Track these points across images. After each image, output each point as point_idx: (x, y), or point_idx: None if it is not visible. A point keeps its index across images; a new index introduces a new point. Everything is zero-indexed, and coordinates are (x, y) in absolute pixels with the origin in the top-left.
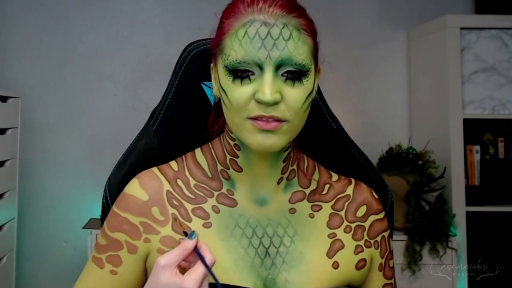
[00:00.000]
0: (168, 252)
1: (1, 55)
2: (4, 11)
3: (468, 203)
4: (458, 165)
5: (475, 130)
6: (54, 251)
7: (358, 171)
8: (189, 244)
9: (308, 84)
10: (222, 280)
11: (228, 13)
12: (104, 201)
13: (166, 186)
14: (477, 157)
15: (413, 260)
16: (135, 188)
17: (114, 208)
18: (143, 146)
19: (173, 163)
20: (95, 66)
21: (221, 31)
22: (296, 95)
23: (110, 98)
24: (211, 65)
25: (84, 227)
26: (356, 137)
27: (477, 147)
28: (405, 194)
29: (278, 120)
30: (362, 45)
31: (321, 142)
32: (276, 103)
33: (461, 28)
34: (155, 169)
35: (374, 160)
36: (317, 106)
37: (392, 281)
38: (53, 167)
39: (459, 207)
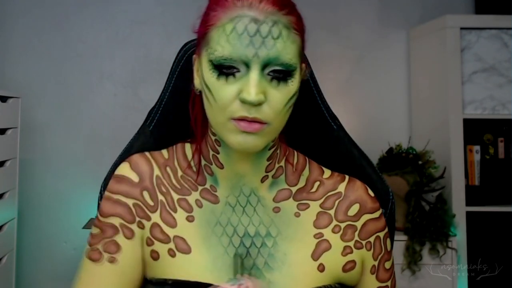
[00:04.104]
0: None
1: (1, 55)
2: (4, 11)
3: (468, 203)
4: (458, 165)
5: (475, 130)
6: (54, 251)
7: (358, 172)
8: None
9: (292, 85)
10: (197, 278)
11: (216, 4)
12: (99, 201)
13: (156, 171)
14: (477, 157)
15: (413, 260)
16: (125, 169)
17: (105, 193)
18: (139, 146)
19: (164, 151)
20: (95, 66)
21: (207, 22)
22: (279, 97)
23: (110, 98)
24: (194, 56)
25: (84, 227)
26: (356, 137)
27: (477, 147)
28: (405, 194)
29: (260, 122)
30: (362, 45)
31: (321, 142)
32: (260, 104)
33: (461, 28)
34: (147, 153)
35: (374, 160)
36: (317, 106)
37: (388, 283)
38: (53, 167)
39: (459, 207)
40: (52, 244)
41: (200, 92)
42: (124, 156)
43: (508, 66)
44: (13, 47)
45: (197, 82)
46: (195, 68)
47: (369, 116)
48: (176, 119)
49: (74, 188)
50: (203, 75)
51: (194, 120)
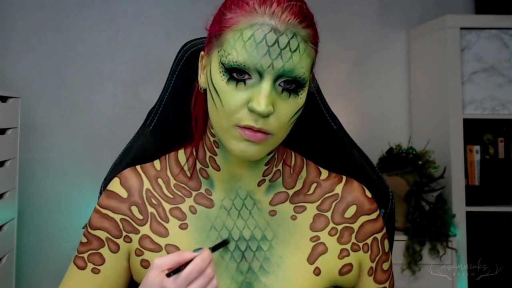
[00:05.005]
0: (165, 255)
1: (1, 55)
2: (4, 11)
3: (468, 203)
4: (458, 165)
5: (475, 130)
6: (54, 251)
7: (358, 172)
8: (186, 254)
9: (301, 98)
10: None
11: (235, 6)
12: None
13: (146, 185)
14: (477, 157)
15: (413, 260)
16: (115, 185)
17: (96, 206)
18: (139, 146)
19: (156, 162)
20: (95, 66)
21: (223, 23)
22: (287, 110)
23: (110, 98)
24: (202, 52)
25: (84, 227)
26: (356, 137)
27: (477, 147)
28: (405, 194)
29: (265, 132)
30: (362, 45)
31: (321, 142)
32: (268, 115)
33: (461, 28)
34: (138, 167)
35: (374, 160)
36: (317, 106)
37: (386, 284)
38: (53, 167)
39: (459, 207)
40: (52, 244)
41: (205, 90)
42: (124, 156)
43: (508, 66)
44: (13, 47)
45: (202, 80)
46: (201, 65)
47: (369, 116)
48: (176, 119)
49: (74, 188)
50: (212, 75)
51: (195, 120)
